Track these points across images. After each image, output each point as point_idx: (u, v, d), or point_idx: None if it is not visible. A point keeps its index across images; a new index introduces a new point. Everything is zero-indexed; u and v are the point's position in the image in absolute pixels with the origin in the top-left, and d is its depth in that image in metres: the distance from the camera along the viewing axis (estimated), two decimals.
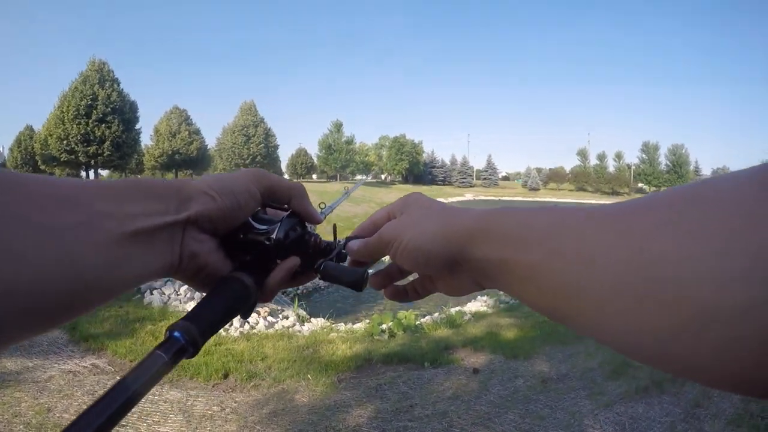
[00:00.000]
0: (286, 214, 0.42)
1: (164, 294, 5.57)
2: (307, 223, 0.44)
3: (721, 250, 0.19)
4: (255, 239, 0.39)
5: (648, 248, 0.22)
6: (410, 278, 0.45)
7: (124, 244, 0.29)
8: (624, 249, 0.23)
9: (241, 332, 4.57)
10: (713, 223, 0.20)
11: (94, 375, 3.31)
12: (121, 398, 0.25)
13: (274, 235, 0.39)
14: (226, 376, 3.41)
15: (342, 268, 0.42)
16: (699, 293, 0.19)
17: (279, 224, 0.40)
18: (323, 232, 0.47)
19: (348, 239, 0.44)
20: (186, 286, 5.68)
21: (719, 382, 0.21)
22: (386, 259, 0.41)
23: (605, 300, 0.23)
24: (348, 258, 0.44)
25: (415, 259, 0.36)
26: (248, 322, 4.96)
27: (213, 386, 3.25)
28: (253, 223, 0.39)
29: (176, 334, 0.30)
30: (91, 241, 0.27)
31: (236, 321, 4.77)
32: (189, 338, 0.30)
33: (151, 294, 5.42)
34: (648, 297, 0.21)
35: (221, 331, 4.45)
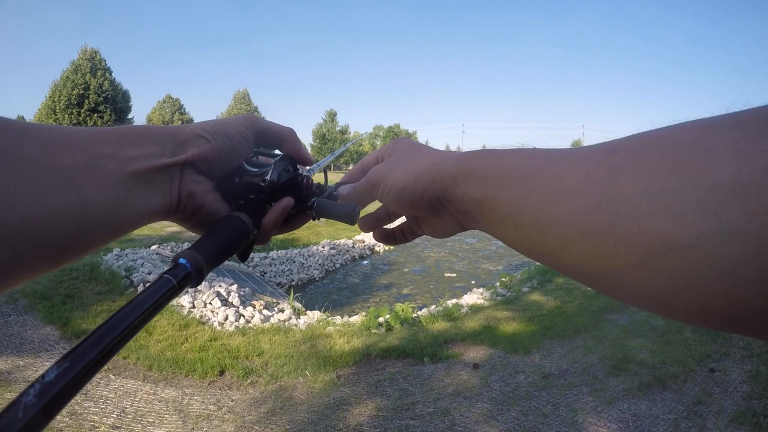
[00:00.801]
0: (278, 157, 0.43)
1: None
2: (299, 167, 0.45)
3: (677, 185, 0.21)
4: (250, 181, 0.40)
5: (609, 187, 0.23)
6: (398, 222, 0.47)
7: (126, 184, 0.31)
8: (589, 188, 0.24)
9: (236, 327, 4.49)
10: (671, 162, 0.21)
11: None
12: (133, 316, 0.25)
13: (268, 177, 0.40)
14: (222, 373, 3.35)
15: (334, 204, 0.43)
16: (655, 226, 0.21)
17: (272, 166, 0.41)
18: None
19: (338, 184, 0.46)
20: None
21: (674, 312, 0.22)
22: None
23: (572, 235, 0.25)
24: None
25: (401, 200, 0.37)
26: (243, 316, 4.89)
27: (209, 384, 3.18)
28: (247, 166, 0.41)
29: (182, 261, 0.31)
30: (95, 180, 0.29)
31: (231, 315, 4.70)
32: (195, 265, 0.31)
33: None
34: (608, 231, 0.23)
35: (216, 325, 4.41)
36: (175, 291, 0.29)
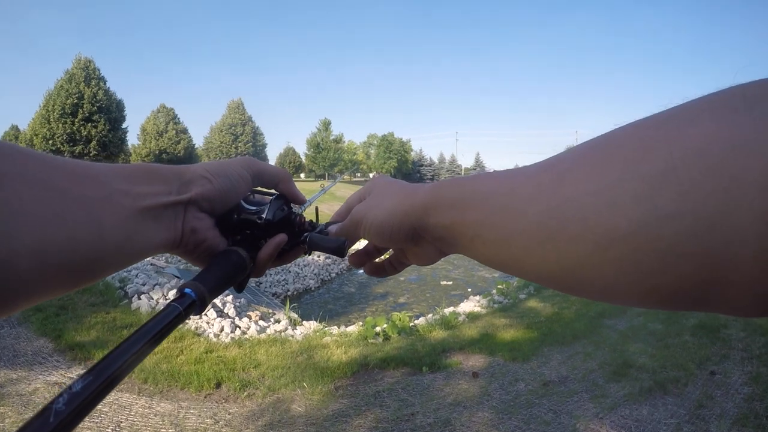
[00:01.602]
0: (274, 196, 0.46)
1: (152, 299, 5.40)
2: (292, 205, 0.48)
3: (615, 180, 0.22)
4: (247, 218, 0.43)
5: (556, 194, 0.25)
6: (386, 255, 0.50)
7: (137, 218, 0.33)
8: (539, 198, 0.26)
9: (232, 338, 4.43)
10: (608, 160, 0.23)
11: None
12: (143, 340, 0.28)
13: (264, 215, 0.43)
14: (218, 385, 3.29)
15: (325, 238, 0.46)
16: (598, 221, 0.22)
17: (268, 205, 0.44)
18: None
19: (327, 224, 0.49)
20: (174, 291, 5.54)
21: (630, 298, 0.23)
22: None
23: (529, 244, 0.26)
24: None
25: (381, 235, 0.40)
26: (239, 327, 4.83)
27: (205, 397, 3.12)
28: (245, 205, 0.44)
29: (187, 290, 0.34)
30: (112, 213, 0.32)
31: (227, 326, 4.65)
32: (199, 295, 0.34)
33: (139, 299, 5.23)
34: (559, 234, 0.24)
35: (212, 337, 4.36)
36: (182, 317, 0.32)
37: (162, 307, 0.33)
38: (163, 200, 0.36)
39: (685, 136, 0.20)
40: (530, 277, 0.29)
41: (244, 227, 0.43)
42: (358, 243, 0.47)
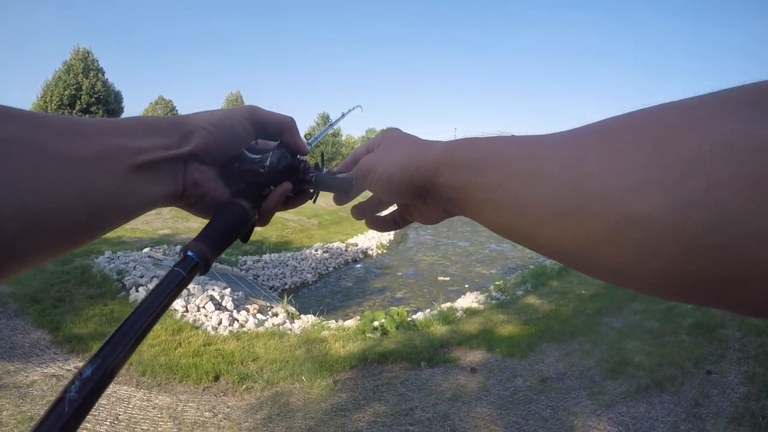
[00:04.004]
0: (276, 144, 0.45)
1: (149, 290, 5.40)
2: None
3: (642, 163, 0.21)
4: (250, 168, 0.42)
5: (578, 169, 0.24)
6: (390, 209, 0.49)
7: (134, 174, 0.32)
8: (561, 170, 0.25)
9: (230, 331, 4.43)
10: (636, 142, 0.22)
11: None
12: (153, 307, 0.28)
13: (267, 163, 0.42)
14: (216, 378, 3.29)
15: (332, 177, 0.46)
16: (620, 202, 0.22)
17: (271, 153, 0.43)
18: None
19: (332, 171, 0.48)
20: None
21: (645, 284, 0.23)
22: None
23: (546, 216, 0.26)
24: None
25: (388, 189, 0.39)
26: (237, 320, 4.83)
27: (203, 390, 3.13)
28: (248, 153, 0.43)
29: (190, 253, 0.33)
30: (107, 170, 0.31)
31: (225, 319, 4.65)
32: (201, 256, 0.33)
33: (137, 291, 5.22)
34: (578, 210, 0.24)
35: (210, 330, 4.36)
36: (186, 281, 0.32)
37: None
38: (162, 154, 0.35)
39: (718, 128, 0.20)
40: (542, 250, 0.28)
41: (247, 176, 0.43)
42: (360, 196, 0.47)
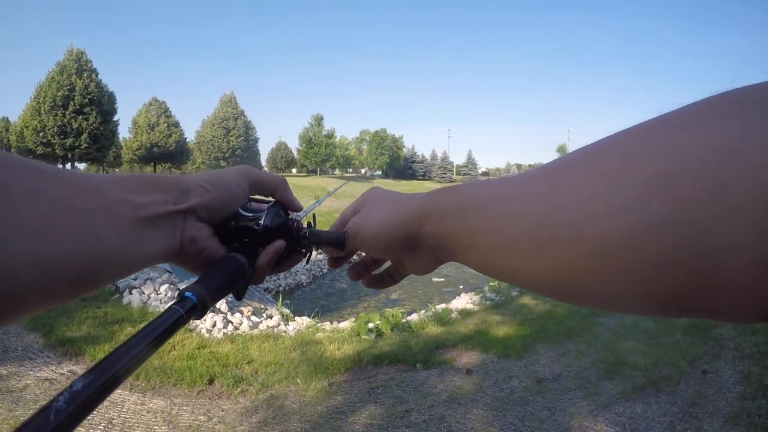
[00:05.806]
0: (271, 203, 0.47)
1: (144, 293, 5.33)
2: (289, 212, 0.49)
3: (610, 188, 0.22)
4: (245, 225, 0.43)
5: (548, 202, 0.25)
6: (384, 266, 0.50)
7: (135, 228, 0.33)
8: (532, 206, 0.26)
9: (225, 333, 4.39)
10: (602, 168, 0.23)
11: None
12: (144, 342, 0.28)
13: (261, 221, 0.44)
14: (211, 381, 3.26)
15: (325, 232, 0.46)
16: (593, 229, 0.22)
17: (265, 212, 0.45)
18: None
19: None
20: (165, 286, 5.47)
21: (624, 305, 0.24)
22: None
23: (524, 252, 0.27)
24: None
25: (377, 246, 0.41)
26: (231, 323, 4.79)
27: (198, 393, 3.09)
28: (243, 212, 0.44)
29: (188, 294, 0.34)
30: (110, 223, 0.31)
31: (219, 321, 4.61)
32: (200, 298, 0.34)
33: (131, 294, 5.16)
34: (552, 242, 0.24)
35: (204, 332, 4.32)
36: (183, 320, 0.32)
37: (163, 310, 0.32)
38: (162, 210, 0.36)
39: (678, 143, 0.20)
40: (527, 285, 0.29)
41: (242, 234, 0.44)
42: (355, 255, 0.48)
